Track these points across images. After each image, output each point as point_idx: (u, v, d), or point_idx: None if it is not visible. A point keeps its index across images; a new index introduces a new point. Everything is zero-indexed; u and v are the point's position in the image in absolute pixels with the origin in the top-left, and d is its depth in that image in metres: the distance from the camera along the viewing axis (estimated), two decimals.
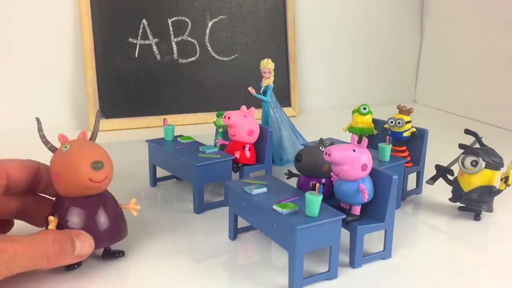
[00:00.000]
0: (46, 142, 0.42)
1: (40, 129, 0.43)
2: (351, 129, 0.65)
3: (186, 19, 1.05)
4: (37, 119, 0.43)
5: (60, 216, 0.41)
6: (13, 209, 0.45)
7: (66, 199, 0.41)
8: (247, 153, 0.62)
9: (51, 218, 0.40)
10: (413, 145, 0.62)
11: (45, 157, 0.45)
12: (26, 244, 0.36)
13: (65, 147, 0.41)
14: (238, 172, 0.63)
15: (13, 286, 0.40)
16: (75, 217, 0.41)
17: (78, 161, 0.40)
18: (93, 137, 0.44)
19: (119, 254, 0.45)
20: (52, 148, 0.42)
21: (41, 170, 0.45)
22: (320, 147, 0.50)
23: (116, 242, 0.44)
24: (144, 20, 1.02)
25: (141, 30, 1.02)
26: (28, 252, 0.36)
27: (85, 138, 0.44)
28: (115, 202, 0.44)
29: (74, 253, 0.39)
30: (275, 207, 0.42)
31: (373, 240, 0.48)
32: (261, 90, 0.73)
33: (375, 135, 0.64)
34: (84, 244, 0.40)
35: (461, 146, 0.57)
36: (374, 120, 0.65)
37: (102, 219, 0.42)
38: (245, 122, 0.62)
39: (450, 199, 0.57)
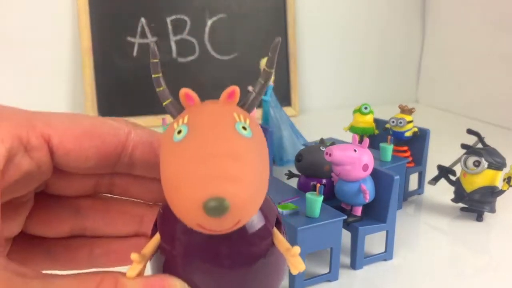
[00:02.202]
0: (162, 95, 0.20)
1: (154, 54, 0.20)
2: (352, 129, 0.64)
3: (185, 17, 1.04)
4: (153, 45, 0.20)
5: (166, 246, 0.20)
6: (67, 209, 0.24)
7: (175, 219, 0.18)
8: None
9: (134, 256, 0.19)
10: (415, 145, 0.61)
11: None
12: None
13: (179, 131, 0.18)
14: None
15: None
16: (192, 261, 0.19)
17: (182, 185, 0.17)
18: (249, 108, 0.21)
19: None
20: (170, 111, 0.20)
21: (131, 138, 0.23)
22: (321, 147, 0.49)
23: None
24: (142, 19, 1.01)
25: (139, 29, 1.01)
26: None
27: (228, 110, 0.19)
28: (271, 239, 0.20)
29: None
30: None
31: (374, 241, 0.48)
32: None
33: (377, 135, 0.63)
34: None
35: (463, 146, 0.57)
36: (375, 120, 0.64)
37: (251, 274, 0.20)
38: None
39: (452, 200, 0.57)
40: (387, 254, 0.46)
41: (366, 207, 0.45)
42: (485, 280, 0.44)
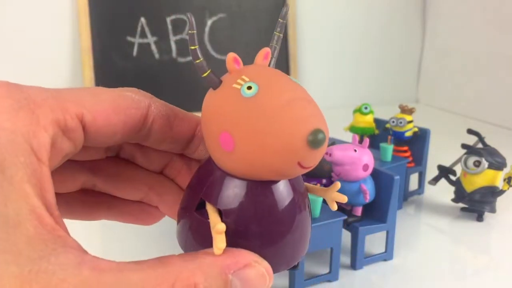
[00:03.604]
0: (201, 67, 0.21)
1: (191, 25, 0.21)
2: (352, 128, 0.64)
3: (185, 17, 1.04)
4: (190, 16, 0.21)
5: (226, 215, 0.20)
6: (106, 178, 0.26)
7: (228, 179, 0.21)
8: None
9: (223, 227, 0.19)
10: (415, 145, 0.61)
11: None
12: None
13: (249, 87, 0.19)
14: None
15: None
16: (249, 220, 0.20)
17: (279, 127, 0.18)
18: (271, 61, 0.24)
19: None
20: (212, 81, 0.21)
21: (151, 111, 0.23)
22: None
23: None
24: (142, 19, 1.01)
25: (139, 29, 1.01)
26: None
27: (276, 71, 0.22)
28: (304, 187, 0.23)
29: None
30: None
31: (374, 241, 0.48)
32: None
33: (377, 135, 0.63)
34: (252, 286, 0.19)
35: (463, 146, 0.57)
36: (375, 120, 0.64)
37: (299, 225, 0.22)
38: None
39: (453, 200, 0.57)
40: (387, 254, 0.46)
41: (366, 207, 0.45)
42: (485, 280, 0.44)
